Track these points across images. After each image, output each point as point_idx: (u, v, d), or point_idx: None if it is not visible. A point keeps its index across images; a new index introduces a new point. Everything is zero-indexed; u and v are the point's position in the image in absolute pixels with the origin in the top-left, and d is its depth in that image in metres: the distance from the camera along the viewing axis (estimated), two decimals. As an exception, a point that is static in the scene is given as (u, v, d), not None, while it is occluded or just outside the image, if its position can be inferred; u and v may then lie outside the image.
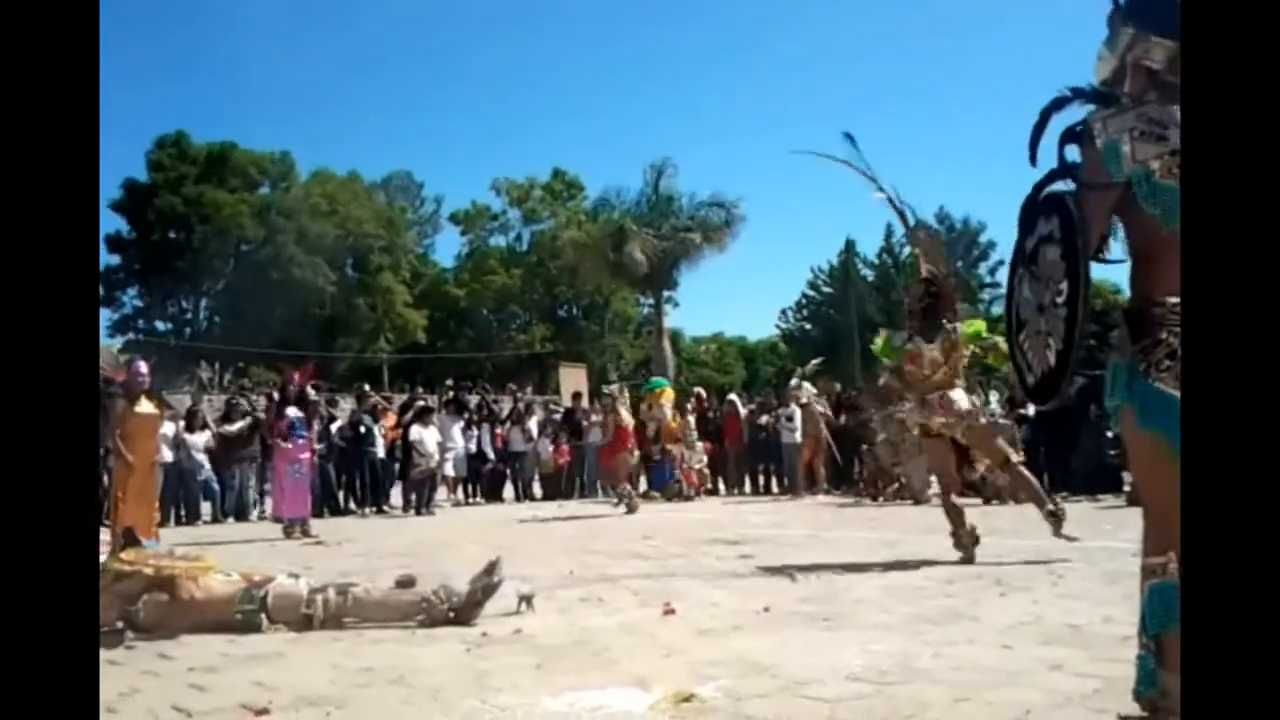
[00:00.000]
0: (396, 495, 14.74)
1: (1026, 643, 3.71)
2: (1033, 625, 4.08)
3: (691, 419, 15.35)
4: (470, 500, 15.77)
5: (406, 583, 4.75)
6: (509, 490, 16.31)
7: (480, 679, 3.39)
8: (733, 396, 17.22)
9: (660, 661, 3.58)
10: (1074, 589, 5.04)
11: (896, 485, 12.70)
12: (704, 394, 17.64)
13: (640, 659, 3.62)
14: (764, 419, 15.42)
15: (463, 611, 4.44)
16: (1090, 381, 8.97)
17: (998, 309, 49.25)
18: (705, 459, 15.08)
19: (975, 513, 10.71)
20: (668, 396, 15.81)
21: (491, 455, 15.99)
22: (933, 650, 3.60)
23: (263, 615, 4.39)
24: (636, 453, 13.71)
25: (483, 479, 16.07)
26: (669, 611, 4.56)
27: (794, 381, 15.62)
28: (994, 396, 13.56)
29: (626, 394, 14.34)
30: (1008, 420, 12.54)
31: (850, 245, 46.70)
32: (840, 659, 3.47)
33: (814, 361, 17.54)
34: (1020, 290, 2.33)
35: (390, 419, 15.25)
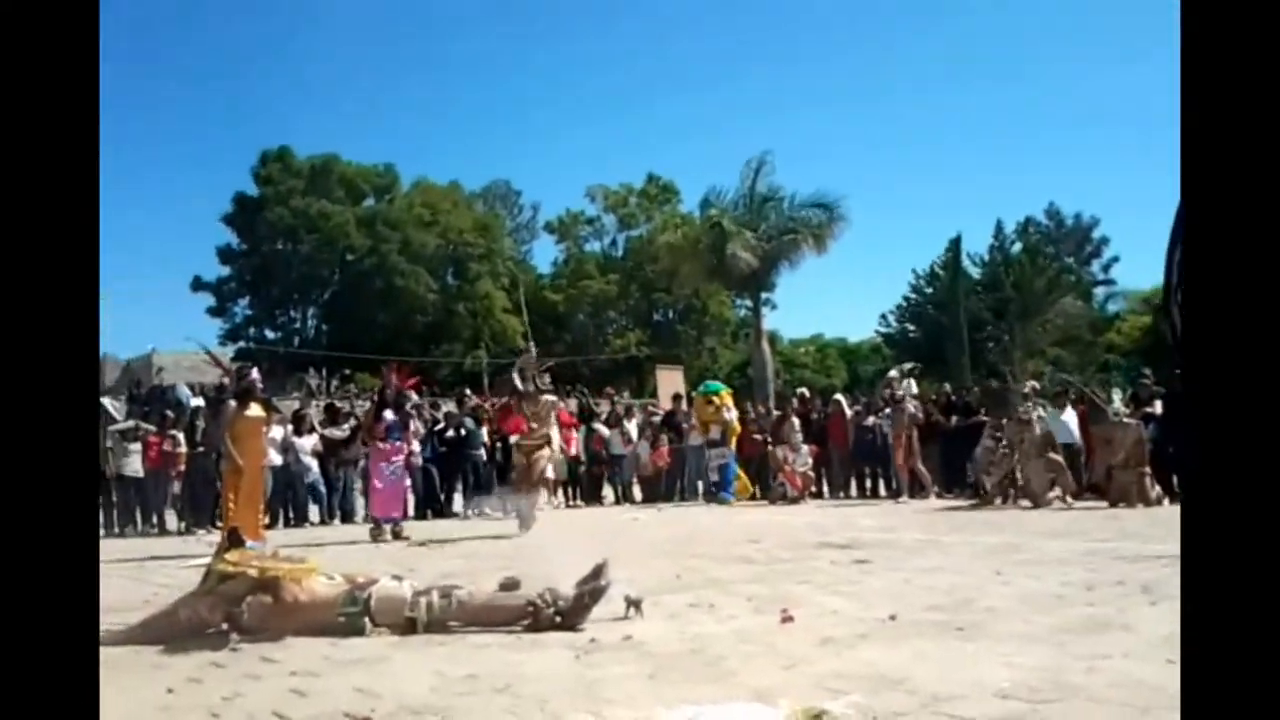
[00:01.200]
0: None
1: (1192, 658, 3.33)
2: (1195, 638, 3.69)
3: (796, 420, 14.95)
4: (570, 503, 15.70)
5: (510, 585, 4.57)
6: (608, 492, 16.26)
7: (590, 688, 3.18)
8: (839, 397, 16.71)
9: (782, 673, 3.31)
10: (1232, 599, 4.59)
11: (1003, 480, 12.13)
12: (808, 395, 17.20)
13: (760, 670, 3.36)
14: (870, 420, 14.92)
15: (569, 616, 4.25)
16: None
17: (1114, 306, 47.33)
18: (810, 461, 14.66)
19: (1100, 515, 10.17)
20: (730, 399, 15.47)
21: (584, 458, 15.90)
22: (1085, 664, 3.25)
23: (366, 618, 4.27)
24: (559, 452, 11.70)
25: (582, 481, 16.03)
26: (787, 619, 4.28)
27: (892, 373, 15.21)
28: (1116, 395, 12.84)
29: (548, 376, 11.30)
30: (1133, 420, 11.83)
31: (957, 241, 44.98)
32: (983, 673, 3.15)
33: (909, 365, 17.04)
34: (1179, 254, 2.22)
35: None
